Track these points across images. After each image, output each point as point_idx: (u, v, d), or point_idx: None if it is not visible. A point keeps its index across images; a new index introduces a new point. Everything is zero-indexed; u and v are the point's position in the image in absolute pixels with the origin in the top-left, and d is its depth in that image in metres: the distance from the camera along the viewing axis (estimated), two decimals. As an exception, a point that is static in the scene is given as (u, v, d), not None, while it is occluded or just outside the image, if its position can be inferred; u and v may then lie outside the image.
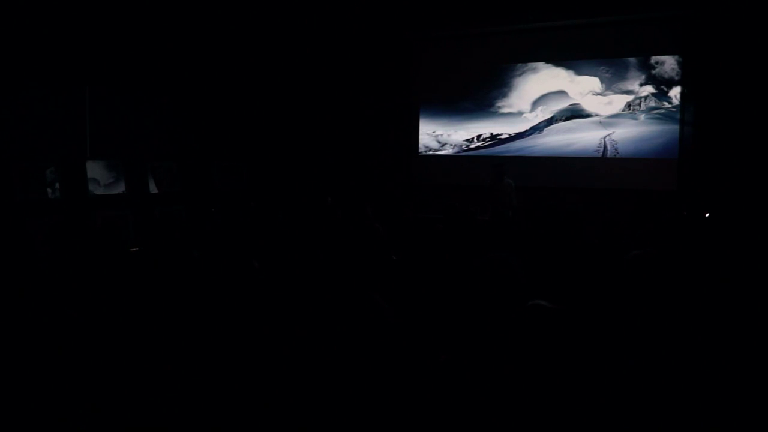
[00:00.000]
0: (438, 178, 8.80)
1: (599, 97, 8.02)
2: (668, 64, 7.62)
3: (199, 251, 3.64)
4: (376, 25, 8.85)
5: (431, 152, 9.13)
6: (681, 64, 7.53)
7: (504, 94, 8.62)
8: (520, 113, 8.54)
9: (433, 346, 2.18)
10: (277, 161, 8.62)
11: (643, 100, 7.78)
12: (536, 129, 8.42)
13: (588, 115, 8.09)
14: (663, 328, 2.08)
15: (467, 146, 8.89)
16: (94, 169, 6.14)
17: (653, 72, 7.71)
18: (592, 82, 8.06)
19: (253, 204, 6.05)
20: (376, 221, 3.48)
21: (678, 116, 7.57)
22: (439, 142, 9.09)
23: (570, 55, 8.14)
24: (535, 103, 8.43)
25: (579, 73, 8.14)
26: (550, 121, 8.34)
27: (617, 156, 7.90)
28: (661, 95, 7.68)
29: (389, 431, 1.60)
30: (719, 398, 1.81)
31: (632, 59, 7.80)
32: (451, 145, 9.00)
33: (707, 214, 6.09)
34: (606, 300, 2.48)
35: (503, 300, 2.10)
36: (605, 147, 7.97)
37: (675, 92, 7.60)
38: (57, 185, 5.76)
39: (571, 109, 8.20)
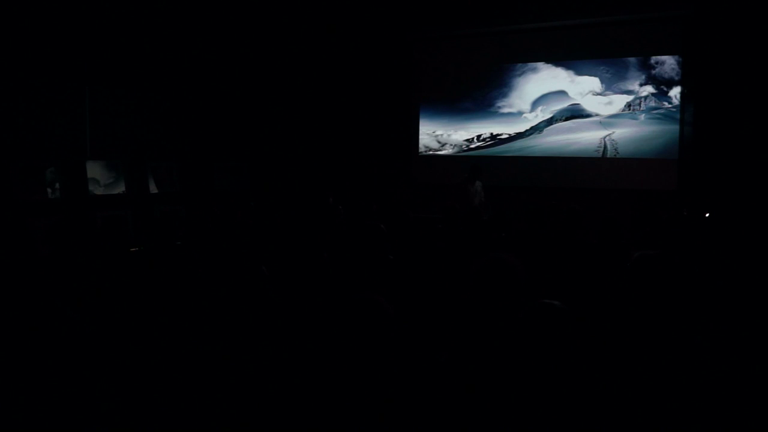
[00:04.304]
0: (438, 178, 8.79)
1: (599, 97, 8.02)
2: (668, 64, 7.61)
3: (202, 252, 3.64)
4: (376, 25, 8.85)
5: (431, 152, 9.13)
6: (681, 64, 7.53)
7: (504, 94, 8.61)
8: (520, 113, 8.53)
9: (433, 345, 2.18)
10: (278, 161, 8.62)
11: (643, 100, 7.78)
12: (536, 129, 8.42)
13: (588, 115, 8.09)
14: (666, 328, 2.08)
15: (467, 146, 8.89)
16: (94, 169, 6.14)
17: (653, 72, 7.71)
18: (592, 82, 8.06)
19: (253, 204, 6.05)
20: (376, 221, 3.48)
21: (678, 116, 7.57)
22: (439, 142, 9.09)
23: (570, 55, 8.14)
24: (535, 103, 8.43)
25: (579, 73, 8.14)
26: (550, 121, 8.34)
27: (617, 156, 7.90)
28: (661, 95, 7.68)
29: (390, 430, 1.60)
30: (721, 397, 1.81)
31: (632, 59, 7.80)
32: (451, 145, 9.00)
33: (707, 214, 6.09)
34: (610, 301, 2.48)
35: (504, 300, 2.10)
36: (605, 147, 7.97)
37: (675, 92, 7.60)
38: (57, 185, 5.76)
39: (571, 109, 8.20)
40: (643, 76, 7.76)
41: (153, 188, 6.73)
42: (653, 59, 7.69)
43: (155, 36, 6.90)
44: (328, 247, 3.08)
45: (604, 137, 7.98)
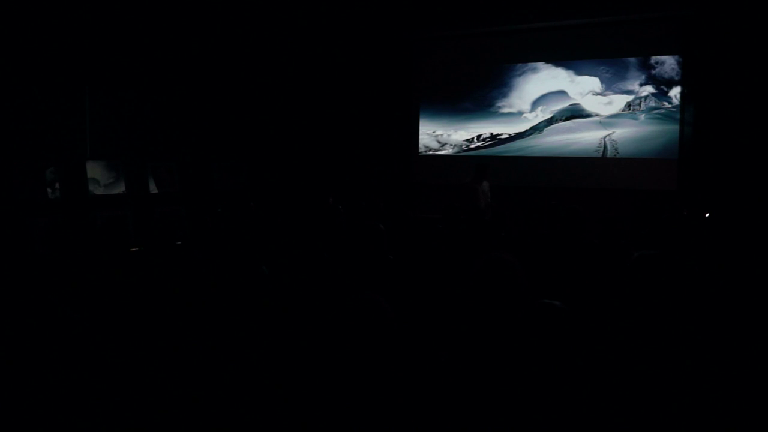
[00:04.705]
0: (438, 178, 8.80)
1: (599, 97, 8.02)
2: (668, 64, 7.62)
3: (203, 252, 3.64)
4: (376, 25, 8.85)
5: (431, 152, 9.13)
6: (681, 64, 7.53)
7: (504, 94, 8.61)
8: (520, 113, 8.54)
9: (433, 345, 2.18)
10: (277, 161, 8.62)
11: (643, 100, 7.78)
12: (536, 129, 8.42)
13: (588, 115, 8.09)
14: (666, 328, 2.08)
15: (467, 146, 8.89)
16: (94, 169, 6.14)
17: (653, 72, 7.71)
18: (592, 82, 8.06)
19: (252, 204, 6.05)
20: (379, 221, 3.48)
21: (678, 116, 7.57)
22: (439, 142, 9.09)
23: (570, 55, 8.14)
24: (535, 103, 8.43)
25: (579, 73, 8.14)
26: (550, 121, 8.34)
27: (617, 156, 7.90)
28: (661, 95, 7.68)
29: (390, 430, 1.60)
30: (721, 397, 1.81)
31: (632, 59, 7.80)
32: (451, 145, 9.00)
33: (707, 214, 6.09)
34: (610, 301, 2.48)
35: (504, 300, 2.10)
36: (605, 147, 7.97)
37: (675, 92, 7.60)
38: (57, 185, 5.76)
39: (571, 109, 8.20)
40: (643, 76, 7.76)
41: (153, 188, 6.74)
42: (653, 59, 7.69)
43: (155, 36, 6.90)
44: (328, 248, 3.09)
45: (604, 137, 7.98)
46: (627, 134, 7.86)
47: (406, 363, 1.78)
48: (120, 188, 6.36)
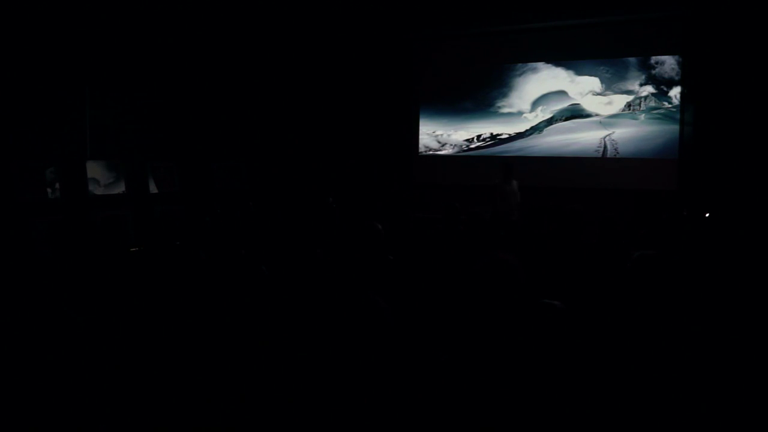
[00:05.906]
0: (438, 178, 8.79)
1: (599, 97, 8.02)
2: (668, 64, 7.61)
3: (203, 252, 3.63)
4: (376, 25, 8.85)
5: (431, 152, 9.12)
6: (681, 64, 7.53)
7: (504, 94, 8.61)
8: (520, 113, 8.53)
9: (433, 346, 2.18)
10: (277, 161, 8.62)
11: (643, 100, 7.78)
12: (536, 129, 8.42)
13: (588, 115, 8.09)
14: (666, 328, 2.08)
15: (467, 146, 8.89)
16: (94, 169, 6.15)
17: (653, 72, 7.71)
18: (592, 82, 8.06)
19: (252, 204, 6.06)
20: (377, 220, 3.48)
21: (678, 116, 7.57)
22: (439, 142, 9.08)
23: (570, 55, 8.14)
24: (535, 103, 8.43)
25: (579, 73, 8.13)
26: (550, 121, 8.33)
27: (617, 156, 7.90)
28: (661, 95, 7.68)
29: (390, 431, 1.60)
30: (720, 396, 1.81)
31: (632, 59, 7.80)
32: (451, 145, 9.00)
33: (707, 214, 6.09)
34: (610, 301, 2.48)
35: (504, 300, 2.10)
36: (605, 147, 7.97)
37: (675, 92, 7.60)
38: (57, 185, 5.76)
39: (571, 109, 8.20)
40: (643, 76, 7.75)
41: (153, 188, 6.74)
42: (653, 59, 7.69)
43: (155, 36, 6.90)
44: (325, 246, 3.09)
45: (604, 137, 7.97)
46: (627, 134, 7.86)
47: (405, 363, 1.78)
48: (120, 188, 6.36)
